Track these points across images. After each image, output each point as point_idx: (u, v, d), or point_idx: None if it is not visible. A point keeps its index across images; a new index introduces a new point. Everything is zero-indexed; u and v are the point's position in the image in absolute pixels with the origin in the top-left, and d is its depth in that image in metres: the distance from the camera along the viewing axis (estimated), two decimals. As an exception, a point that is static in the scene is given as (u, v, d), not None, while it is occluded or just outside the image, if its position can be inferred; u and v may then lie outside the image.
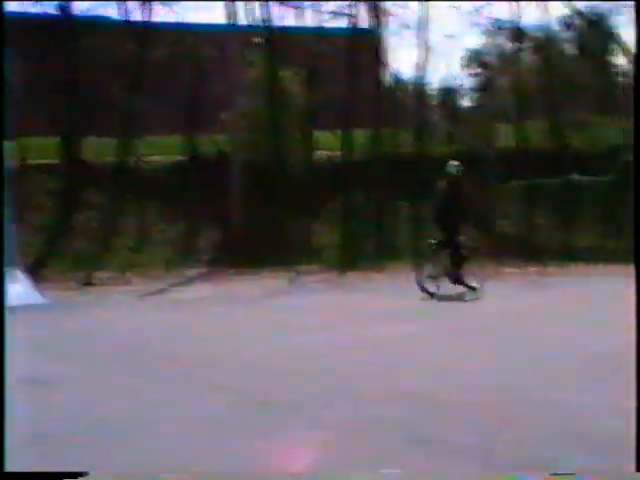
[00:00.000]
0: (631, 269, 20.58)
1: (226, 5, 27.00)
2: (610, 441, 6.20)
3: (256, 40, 28.92)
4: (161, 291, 18.99)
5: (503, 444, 6.19)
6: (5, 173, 14.55)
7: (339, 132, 28.30)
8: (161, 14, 53.29)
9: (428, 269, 16.54)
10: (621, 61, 34.71)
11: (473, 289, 16.48)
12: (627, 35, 40.79)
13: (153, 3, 28.27)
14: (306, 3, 28.94)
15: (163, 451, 6.21)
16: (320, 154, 28.93)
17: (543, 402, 7.55)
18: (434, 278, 16.37)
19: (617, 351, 9.89)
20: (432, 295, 15.98)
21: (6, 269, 13.14)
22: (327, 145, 28.90)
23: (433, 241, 16.79)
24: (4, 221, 12.83)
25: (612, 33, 32.52)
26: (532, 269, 21.68)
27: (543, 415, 7.09)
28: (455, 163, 17.11)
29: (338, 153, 28.33)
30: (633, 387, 8.00)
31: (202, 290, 19.32)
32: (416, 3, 33.09)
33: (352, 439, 6.46)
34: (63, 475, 5.34)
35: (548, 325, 12.51)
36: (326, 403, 7.63)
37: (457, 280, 16.53)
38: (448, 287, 16.35)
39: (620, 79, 36.92)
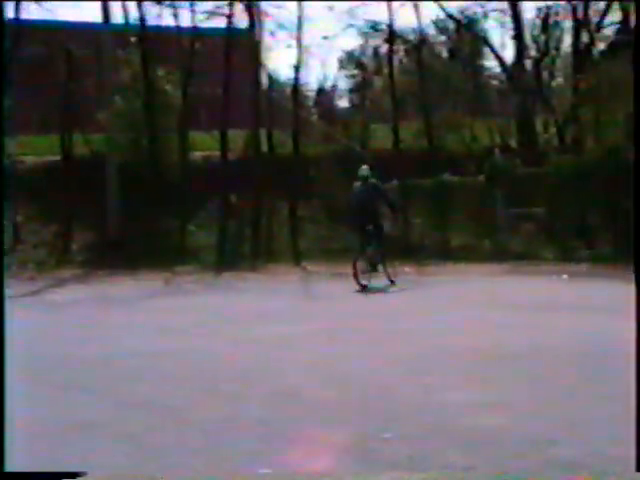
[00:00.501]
0: (503, 268, 21.15)
1: (101, 3, 26.64)
2: (482, 437, 6.33)
3: (131, 39, 28.61)
4: (34, 293, 18.63)
5: (378, 441, 6.26)
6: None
7: (216, 132, 28.19)
8: (32, 11, 52.16)
9: (360, 265, 17.75)
10: (491, 64, 35.55)
11: (392, 282, 18.28)
12: (496, 39, 41.67)
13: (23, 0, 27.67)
14: (182, 2, 28.68)
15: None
16: (197, 154, 28.80)
17: (415, 399, 7.68)
18: (366, 272, 17.75)
19: (486, 349, 10.14)
20: (365, 287, 17.40)
21: None
22: (204, 145, 28.78)
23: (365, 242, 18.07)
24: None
25: (483, 37, 33.21)
26: (408, 268, 21.96)
27: (416, 412, 7.21)
28: (365, 167, 18.61)
29: (215, 153, 28.23)
30: (506, 383, 8.24)
31: (76, 291, 19.03)
32: (292, 3, 33.11)
33: (222, 439, 6.47)
34: (62, 475, 5.29)
35: (421, 323, 12.72)
36: (201, 405, 7.61)
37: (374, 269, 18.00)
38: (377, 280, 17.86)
39: (491, 81, 37.81)
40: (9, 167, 26.15)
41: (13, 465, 5.33)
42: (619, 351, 9.77)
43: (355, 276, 17.52)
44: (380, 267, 18.27)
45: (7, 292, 17.09)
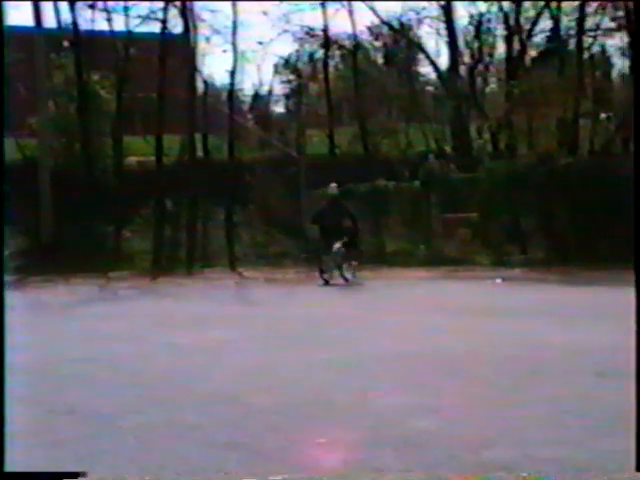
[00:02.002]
0: (438, 273, 21.33)
1: (33, 6, 26.34)
2: (417, 440, 6.36)
3: (64, 43, 28.33)
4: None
5: (312, 446, 6.26)
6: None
7: (151, 137, 28.03)
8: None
9: (327, 266, 19.74)
10: (426, 70, 35.85)
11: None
12: (431, 45, 42.06)
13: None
14: (116, 6, 28.47)
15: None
16: (131, 160, 28.60)
17: (350, 404, 7.69)
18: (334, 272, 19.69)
19: (421, 353, 10.21)
20: (327, 283, 19.42)
21: None
22: (139, 150, 28.60)
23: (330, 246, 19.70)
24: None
25: (417, 43, 33.47)
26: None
27: (351, 416, 7.22)
28: (334, 185, 20.94)
29: (150, 158, 28.06)
30: (440, 387, 8.30)
31: (10, 298, 18.73)
32: (227, 8, 33.09)
33: (154, 445, 6.42)
34: (63, 475, 5.20)
35: (355, 328, 12.75)
36: (135, 411, 7.55)
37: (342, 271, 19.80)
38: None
39: (426, 88, 38.09)
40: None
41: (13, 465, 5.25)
42: (552, 354, 9.91)
43: (321, 274, 19.66)
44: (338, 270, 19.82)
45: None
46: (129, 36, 28.16)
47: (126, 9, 28.21)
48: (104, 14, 28.45)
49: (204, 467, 5.81)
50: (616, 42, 30.70)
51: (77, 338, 12.33)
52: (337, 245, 19.64)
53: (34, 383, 8.99)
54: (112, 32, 28.32)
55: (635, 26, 25.99)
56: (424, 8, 31.41)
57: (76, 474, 5.20)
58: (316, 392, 8.18)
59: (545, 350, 10.16)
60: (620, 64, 32.50)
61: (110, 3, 28.42)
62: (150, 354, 10.79)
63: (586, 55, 29.80)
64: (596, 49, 31.07)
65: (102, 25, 28.75)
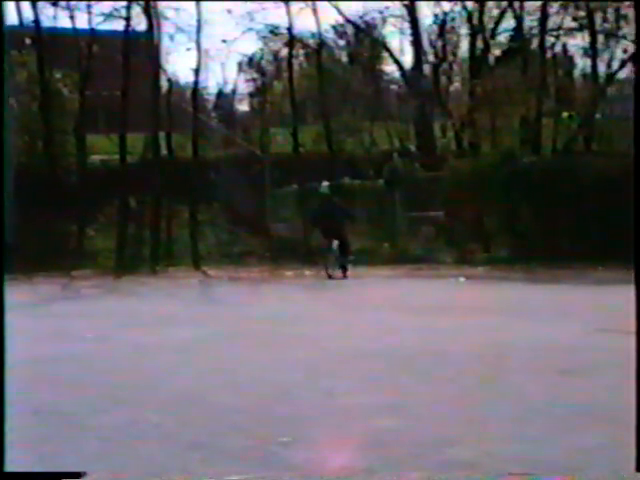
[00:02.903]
0: (402, 271, 21.40)
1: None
2: (381, 439, 6.37)
3: (26, 40, 28.12)
4: None
5: (276, 445, 6.26)
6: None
7: (114, 135, 27.90)
8: None
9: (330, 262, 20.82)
10: (390, 68, 35.94)
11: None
12: (395, 44, 42.21)
13: None
14: (78, 4, 28.26)
15: None
16: (95, 157, 28.45)
17: (314, 403, 7.70)
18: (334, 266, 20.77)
19: (384, 352, 10.23)
20: (330, 277, 20.44)
21: None
22: (102, 148, 28.46)
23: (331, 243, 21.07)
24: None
25: (381, 42, 33.54)
26: (308, 272, 22.05)
27: (314, 415, 7.22)
28: (326, 184, 22.19)
29: (114, 157, 27.93)
30: (403, 386, 8.32)
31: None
32: (191, 6, 32.94)
33: (118, 445, 6.39)
34: (63, 475, 5.18)
35: (320, 327, 12.76)
36: (99, 410, 7.51)
37: (343, 267, 20.95)
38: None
39: (390, 86, 38.20)
40: None
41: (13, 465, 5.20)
42: (515, 352, 9.98)
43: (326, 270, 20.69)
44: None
45: None
46: (92, 34, 27.99)
47: (89, 6, 28.04)
48: (67, 11, 28.26)
49: (167, 467, 5.79)
50: (578, 42, 30.93)
51: (40, 338, 12.23)
52: (335, 242, 21.03)
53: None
54: (75, 29, 28.13)
55: (592, 27, 26.29)
56: (388, 7, 31.50)
57: (76, 474, 5.18)
58: (279, 391, 8.18)
59: (508, 348, 10.21)
60: (582, 64, 32.75)
61: (72, 1, 28.23)
62: (114, 353, 10.74)
63: (549, 54, 30.00)
64: (558, 48, 31.30)
65: (65, 22, 28.55)
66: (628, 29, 27.01)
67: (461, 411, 7.19)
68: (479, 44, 30.14)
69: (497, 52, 31.14)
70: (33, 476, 5.36)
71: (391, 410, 7.21)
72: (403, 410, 7.25)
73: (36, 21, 27.44)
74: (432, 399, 7.69)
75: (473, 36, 30.16)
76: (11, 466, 5.14)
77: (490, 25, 30.17)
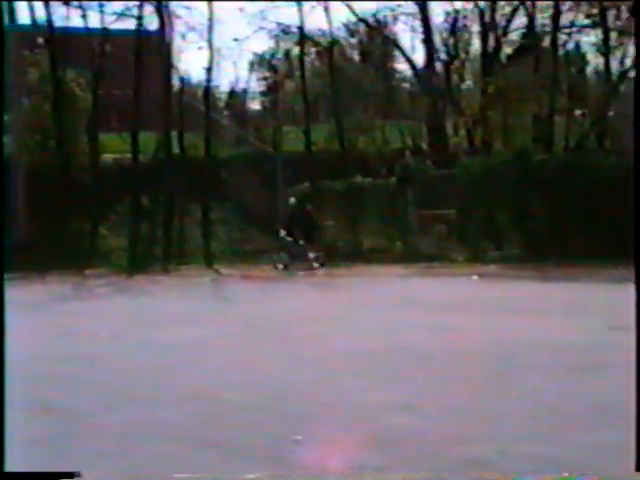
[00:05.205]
0: (414, 270, 21.34)
1: (6, 3, 26.20)
2: (394, 437, 6.37)
3: (39, 40, 28.18)
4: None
5: (289, 444, 6.26)
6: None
7: (127, 134, 27.93)
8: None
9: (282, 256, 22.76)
10: (402, 67, 35.90)
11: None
12: (407, 42, 42.16)
13: None
14: (90, 3, 28.31)
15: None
16: (107, 157, 28.49)
17: (327, 401, 7.70)
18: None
19: (397, 350, 10.23)
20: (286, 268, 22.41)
21: None
22: (115, 148, 28.48)
23: (288, 238, 23.12)
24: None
25: (393, 40, 33.50)
26: (321, 270, 22.05)
27: (328, 413, 7.23)
28: (293, 199, 24.34)
29: (126, 155, 27.95)
30: (417, 384, 8.32)
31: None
32: (203, 5, 32.94)
33: (129, 443, 6.41)
34: (59, 475, 5.24)
35: (332, 325, 12.75)
36: (113, 409, 7.53)
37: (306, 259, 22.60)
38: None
39: (402, 84, 38.17)
40: None
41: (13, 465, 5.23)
42: (528, 350, 9.95)
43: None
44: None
45: None
46: (104, 33, 28.01)
47: (101, 6, 28.08)
48: (79, 11, 28.32)
49: (181, 465, 5.80)
50: (591, 39, 30.83)
51: (53, 336, 12.28)
52: (301, 242, 23.11)
53: (9, 382, 8.94)
54: (87, 29, 28.17)
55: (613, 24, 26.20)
56: (400, 5, 31.45)
57: (72, 474, 5.21)
58: (293, 389, 8.19)
59: (521, 346, 10.19)
60: (595, 61, 32.64)
61: (85, 0, 28.28)
62: (126, 352, 10.76)
63: (561, 52, 29.92)
64: (571, 46, 31.22)
65: (77, 22, 28.61)
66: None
67: (475, 409, 7.18)
68: (491, 42, 30.08)
69: (509, 50, 31.09)
70: (31, 476, 5.39)
71: (405, 408, 7.21)
72: (417, 408, 7.25)
73: (49, 21, 27.50)
74: (446, 397, 7.69)
75: (485, 34, 30.10)
76: (11, 466, 5.16)
77: (502, 23, 30.11)
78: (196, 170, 26.87)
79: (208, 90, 29.36)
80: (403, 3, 31.51)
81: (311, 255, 22.75)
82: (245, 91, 37.37)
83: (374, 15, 32.15)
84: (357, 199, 26.62)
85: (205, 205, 26.87)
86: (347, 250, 24.83)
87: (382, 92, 33.85)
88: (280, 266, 22.65)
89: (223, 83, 48.22)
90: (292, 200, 24.29)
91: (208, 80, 28.96)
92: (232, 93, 37.83)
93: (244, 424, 6.89)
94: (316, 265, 22.45)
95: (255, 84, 38.79)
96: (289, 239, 23.21)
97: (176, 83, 29.16)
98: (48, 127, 27.62)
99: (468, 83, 34.82)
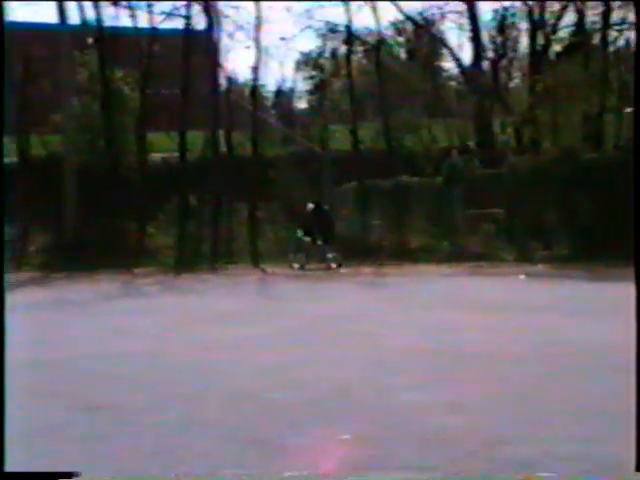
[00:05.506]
0: (461, 269, 21.25)
1: (57, 3, 26.47)
2: (439, 437, 6.35)
3: (88, 40, 28.43)
4: (-10, 296, 18.39)
5: (335, 443, 6.26)
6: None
7: (174, 133, 28.09)
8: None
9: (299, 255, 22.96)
10: (449, 65, 35.74)
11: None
12: (454, 40, 41.96)
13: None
14: (139, 3, 28.55)
15: None
16: (155, 156, 28.67)
17: (373, 400, 7.69)
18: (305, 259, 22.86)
19: (443, 349, 10.19)
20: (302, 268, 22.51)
21: None
22: (162, 146, 28.66)
23: (305, 239, 23.45)
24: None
25: (440, 38, 33.38)
26: (367, 269, 22.03)
27: (373, 413, 7.22)
28: (311, 205, 24.08)
29: (174, 154, 28.13)
30: (462, 384, 8.29)
31: (34, 294, 18.86)
32: (250, 4, 33.06)
33: (175, 441, 6.44)
34: (58, 475, 5.30)
35: (379, 324, 12.74)
36: (159, 407, 7.58)
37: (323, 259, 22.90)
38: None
39: (449, 83, 38.00)
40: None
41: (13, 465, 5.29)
42: (574, 351, 9.87)
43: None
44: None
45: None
46: (153, 33, 28.22)
47: (150, 6, 28.29)
48: (128, 11, 28.56)
49: (225, 463, 5.82)
50: (642, 36, 30.42)
51: (100, 334, 12.39)
52: (319, 242, 23.49)
53: (56, 379, 9.06)
54: (136, 29, 28.38)
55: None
56: (447, 3, 31.33)
57: (70, 474, 5.25)
58: (339, 388, 8.19)
59: (568, 347, 10.11)
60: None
61: (133, 0, 28.51)
62: (175, 350, 10.83)
63: (611, 49, 29.61)
64: (621, 43, 30.86)
65: (126, 22, 28.83)
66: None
67: (521, 410, 7.14)
68: (540, 39, 29.83)
69: (558, 47, 30.80)
70: (31, 476, 5.44)
71: (452, 408, 7.19)
72: (464, 408, 7.22)
73: (98, 21, 27.73)
74: (491, 397, 7.65)
75: (534, 31, 29.85)
76: (12, 466, 5.21)
77: (551, 20, 29.85)
78: (243, 169, 26.96)
79: (255, 89, 29.46)
80: (450, 1, 31.41)
81: (329, 255, 22.90)
82: (292, 90, 37.43)
83: (421, 13, 32.06)
84: (404, 198, 26.52)
85: (252, 204, 26.95)
86: (393, 249, 24.77)
87: (429, 90, 33.72)
88: (296, 266, 22.76)
89: (270, 82, 48.31)
90: (310, 205, 24.32)
91: (255, 79, 29.07)
92: (279, 92, 37.90)
93: (290, 423, 6.90)
94: (333, 265, 22.56)
95: (302, 83, 38.86)
96: (307, 239, 23.41)
97: (223, 82, 29.30)
98: (97, 126, 27.86)
99: (516, 81, 34.60)
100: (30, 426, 6.99)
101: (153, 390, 8.34)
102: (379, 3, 29.85)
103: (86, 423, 7.10)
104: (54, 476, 5.34)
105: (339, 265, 22.53)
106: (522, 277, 19.31)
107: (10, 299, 18.36)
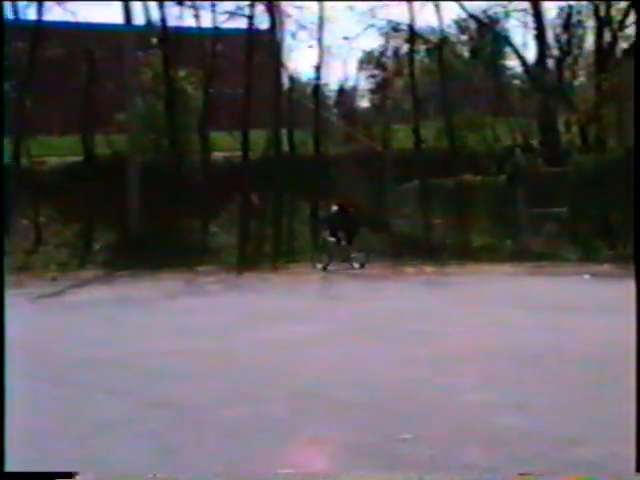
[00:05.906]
0: (524, 268, 21.06)
1: (122, 4, 26.75)
2: (502, 437, 6.29)
3: (152, 40, 28.70)
4: (56, 293, 18.68)
5: (397, 442, 6.23)
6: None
7: (237, 132, 28.24)
8: (55, 13, 52.46)
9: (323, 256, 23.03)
10: (513, 63, 35.44)
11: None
12: (518, 38, 41.60)
13: (45, 2, 27.81)
14: (203, 3, 28.77)
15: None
16: (218, 154, 28.85)
17: (435, 399, 7.65)
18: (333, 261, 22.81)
19: (506, 350, 10.10)
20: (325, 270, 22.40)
21: None
22: (225, 145, 28.83)
23: (330, 239, 23.25)
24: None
25: (504, 36, 33.14)
26: (429, 268, 21.94)
27: (436, 412, 7.18)
28: (335, 207, 23.96)
29: (236, 153, 28.28)
30: (526, 384, 8.21)
31: (98, 292, 19.08)
32: (313, 4, 33.14)
33: (239, 438, 6.45)
34: (55, 475, 5.35)
35: (440, 324, 12.67)
36: (222, 404, 7.61)
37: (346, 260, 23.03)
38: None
39: (513, 81, 37.69)
40: (28, 168, 26.36)
41: (13, 465, 5.33)
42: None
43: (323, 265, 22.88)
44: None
45: (30, 292, 17.12)
46: (216, 32, 28.41)
47: (213, 6, 28.50)
48: (192, 11, 28.79)
49: (285, 462, 5.82)
50: None
51: (164, 332, 12.48)
52: (343, 242, 23.50)
53: (122, 376, 9.14)
54: (199, 28, 28.60)
55: None
56: (511, 1, 31.09)
57: (69, 474, 5.28)
58: (401, 388, 8.15)
59: (633, 348, 9.95)
60: None
61: (197, 0, 28.71)
62: (236, 348, 10.86)
63: (679, 46, 29.16)
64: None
65: (189, 22, 29.09)
66: None
67: (587, 410, 7.05)
68: (606, 37, 29.47)
69: (625, 45, 30.40)
70: (30, 476, 5.48)
71: (515, 408, 7.12)
72: (528, 408, 7.15)
73: (162, 21, 27.99)
74: (557, 398, 7.56)
75: (600, 29, 29.51)
76: (12, 466, 5.24)
77: (618, 17, 29.47)
78: (305, 168, 27.02)
79: (317, 88, 29.54)
80: (515, 0, 31.18)
81: (353, 256, 22.91)
82: (354, 89, 37.45)
83: (485, 11, 31.87)
84: (466, 197, 26.41)
85: (314, 203, 26.99)
86: (456, 248, 24.66)
87: (492, 89, 33.49)
88: (319, 266, 22.74)
89: (332, 81, 48.48)
90: (334, 207, 24.22)
91: (317, 78, 29.17)
92: (341, 91, 37.96)
93: (352, 422, 6.88)
94: (356, 265, 22.64)
95: (364, 82, 38.85)
96: (332, 239, 23.32)
97: (286, 81, 29.42)
98: (161, 126, 28.10)
99: (581, 79, 34.21)
100: (96, 422, 7.07)
101: (217, 387, 8.37)
102: (442, 2, 29.74)
103: (150, 420, 7.15)
104: (53, 476, 5.37)
105: (362, 266, 22.54)
106: (587, 277, 19.09)
107: (75, 297, 18.69)
